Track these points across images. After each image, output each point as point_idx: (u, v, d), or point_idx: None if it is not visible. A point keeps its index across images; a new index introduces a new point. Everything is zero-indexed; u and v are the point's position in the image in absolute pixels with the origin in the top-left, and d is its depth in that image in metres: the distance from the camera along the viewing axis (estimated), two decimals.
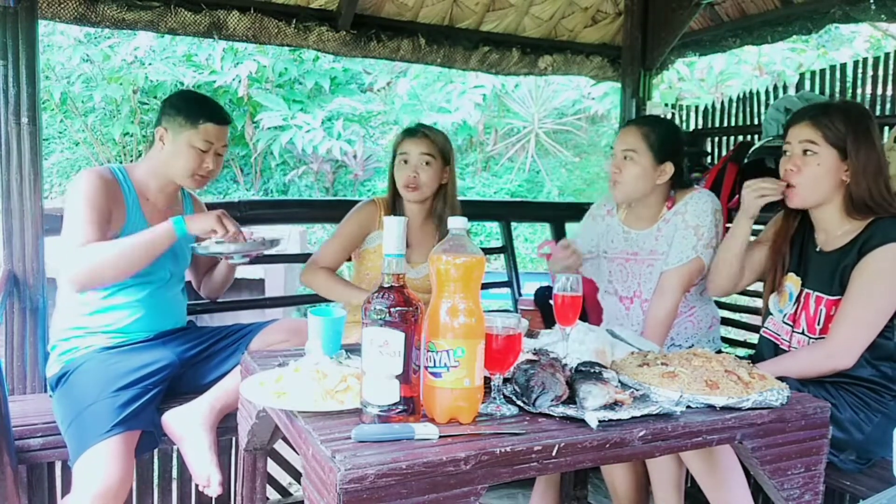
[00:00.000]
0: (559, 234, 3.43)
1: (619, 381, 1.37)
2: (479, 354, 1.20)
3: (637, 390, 1.34)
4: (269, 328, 2.06)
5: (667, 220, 2.18)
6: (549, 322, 1.91)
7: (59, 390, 1.87)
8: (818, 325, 1.81)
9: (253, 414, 1.49)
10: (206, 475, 1.78)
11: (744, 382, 1.36)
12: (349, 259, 2.45)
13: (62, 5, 2.31)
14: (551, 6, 3.21)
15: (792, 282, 1.91)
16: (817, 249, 1.85)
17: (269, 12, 2.67)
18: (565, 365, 1.38)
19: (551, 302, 1.59)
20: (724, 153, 3.18)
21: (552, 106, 8.95)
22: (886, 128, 2.51)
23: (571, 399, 1.27)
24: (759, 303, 2.14)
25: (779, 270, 1.94)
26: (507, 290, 3.34)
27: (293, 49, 7.40)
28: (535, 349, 1.45)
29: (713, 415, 1.31)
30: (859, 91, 2.70)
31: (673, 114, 3.57)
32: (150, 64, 8.13)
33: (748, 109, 3.15)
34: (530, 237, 7.89)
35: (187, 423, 1.83)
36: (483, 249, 1.56)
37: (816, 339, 1.81)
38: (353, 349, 1.50)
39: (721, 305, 2.75)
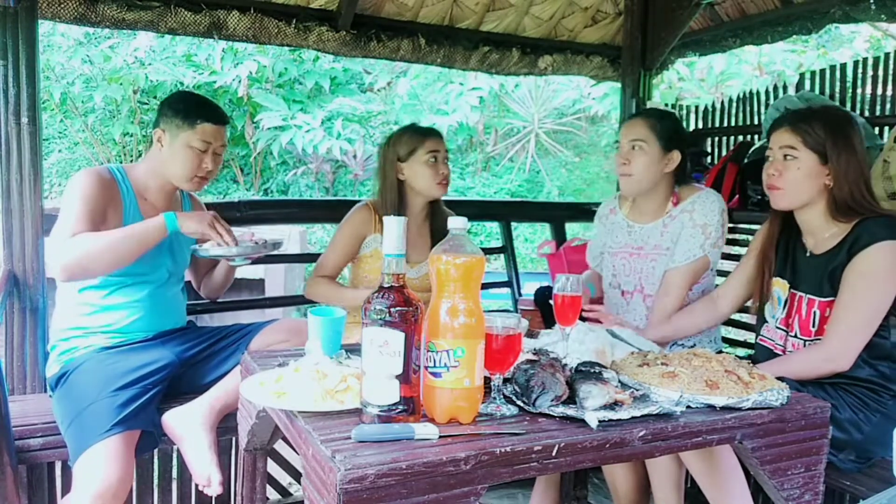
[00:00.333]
0: (559, 233, 3.44)
1: (619, 381, 1.37)
2: (479, 354, 1.21)
3: (637, 390, 1.34)
4: (269, 328, 2.06)
5: (672, 216, 2.19)
6: (549, 322, 1.91)
7: (58, 390, 1.87)
8: (812, 327, 1.83)
9: (253, 414, 1.49)
10: (206, 475, 1.78)
11: (744, 382, 1.36)
12: None
13: (62, 5, 2.31)
14: (551, 6, 3.21)
15: (779, 286, 1.94)
16: (807, 254, 1.88)
17: (269, 12, 2.67)
18: (565, 365, 1.38)
19: (551, 302, 1.59)
20: (724, 153, 3.18)
21: (552, 106, 8.95)
22: (886, 128, 2.51)
23: (571, 399, 1.27)
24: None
25: (766, 275, 1.97)
26: (507, 290, 3.34)
27: (293, 49, 7.40)
28: (535, 349, 1.45)
29: (713, 415, 1.31)
30: (859, 91, 2.69)
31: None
32: (150, 64, 8.12)
33: (748, 109, 3.14)
34: (530, 237, 7.90)
35: (187, 423, 1.83)
36: (483, 249, 1.56)
37: (812, 341, 1.82)
38: (353, 349, 1.50)
39: None
